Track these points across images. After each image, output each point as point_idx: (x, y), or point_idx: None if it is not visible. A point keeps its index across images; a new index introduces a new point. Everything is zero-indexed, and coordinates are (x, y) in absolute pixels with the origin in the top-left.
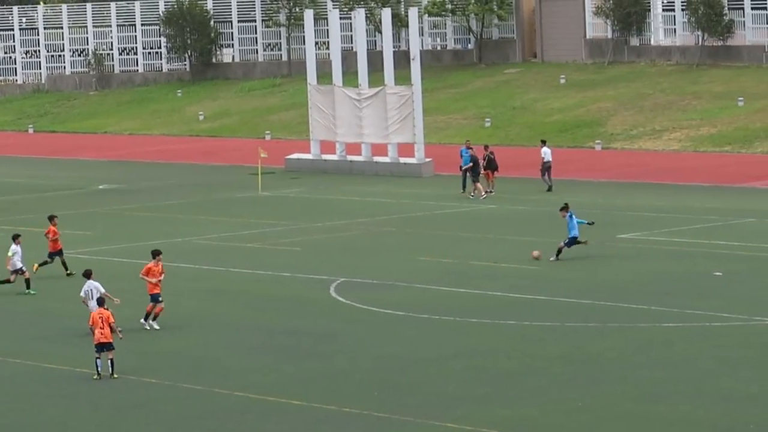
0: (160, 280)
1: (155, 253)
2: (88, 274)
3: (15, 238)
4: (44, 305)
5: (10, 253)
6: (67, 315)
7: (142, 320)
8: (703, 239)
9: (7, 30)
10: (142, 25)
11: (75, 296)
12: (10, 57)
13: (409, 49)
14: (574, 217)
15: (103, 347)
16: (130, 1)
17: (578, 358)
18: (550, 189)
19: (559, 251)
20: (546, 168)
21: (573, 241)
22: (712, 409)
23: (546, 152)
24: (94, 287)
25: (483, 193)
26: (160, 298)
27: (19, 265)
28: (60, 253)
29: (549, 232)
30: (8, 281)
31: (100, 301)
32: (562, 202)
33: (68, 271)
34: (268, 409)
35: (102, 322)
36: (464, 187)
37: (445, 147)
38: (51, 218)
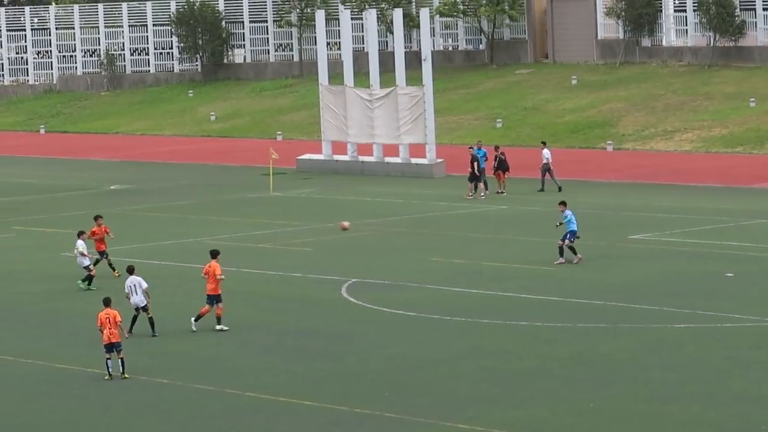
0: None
1: (215, 253)
2: (131, 270)
3: (80, 234)
4: (55, 305)
5: (81, 249)
6: (79, 315)
7: (217, 326)
8: (715, 240)
9: (19, 30)
10: (153, 25)
11: (85, 296)
12: (22, 57)
13: (420, 49)
14: (571, 214)
15: (112, 347)
16: (141, 1)
17: (589, 358)
18: (543, 189)
19: (561, 250)
20: (546, 169)
21: (573, 235)
22: (724, 410)
23: (546, 154)
24: (137, 282)
25: (470, 194)
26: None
27: (86, 262)
28: (103, 254)
29: (561, 232)
30: (91, 276)
31: (107, 301)
32: (571, 202)
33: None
34: (279, 410)
35: (109, 322)
36: (475, 188)
37: (457, 148)
38: (96, 218)
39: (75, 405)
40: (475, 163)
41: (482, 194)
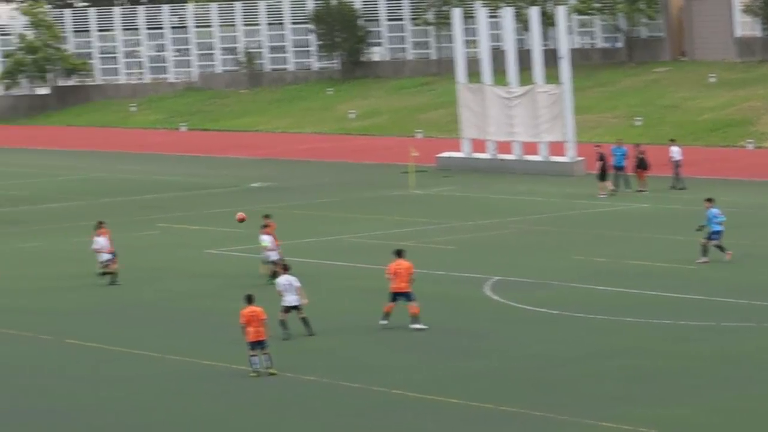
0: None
1: (402, 252)
2: (286, 268)
3: (264, 227)
4: (200, 303)
5: (266, 243)
6: (223, 312)
7: (415, 325)
8: None
9: (158, 29)
10: (291, 23)
11: (230, 294)
12: (162, 56)
13: (557, 47)
14: (717, 213)
15: (257, 345)
16: None
17: (734, 357)
18: (677, 188)
19: (705, 249)
20: (676, 167)
21: (717, 235)
22: None
23: (675, 151)
24: (292, 280)
25: (603, 193)
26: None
27: (273, 256)
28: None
29: (703, 230)
30: (276, 272)
31: (250, 299)
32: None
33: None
34: (425, 407)
35: (255, 319)
36: (617, 185)
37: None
38: (265, 217)
39: (223, 401)
40: (600, 162)
41: (611, 190)
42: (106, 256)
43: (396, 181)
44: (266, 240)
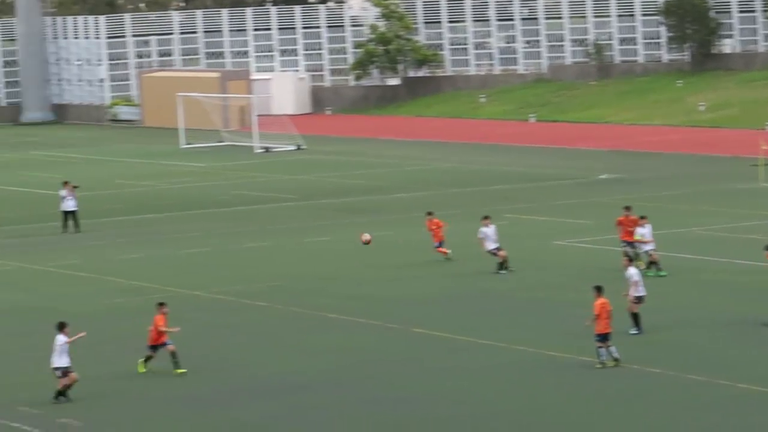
0: None
1: None
2: (631, 260)
3: (642, 218)
4: (547, 294)
5: (641, 236)
6: (570, 304)
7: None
8: None
9: (509, 20)
10: (642, 15)
11: (577, 285)
12: (511, 47)
13: None
14: None
15: (604, 337)
16: None
17: None
18: None
19: None
20: None
21: None
22: None
23: None
24: (636, 273)
25: None
26: None
27: (646, 247)
28: (630, 245)
29: None
30: (653, 261)
31: (600, 289)
32: None
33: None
34: None
35: (605, 311)
36: None
37: None
38: (625, 208)
39: (566, 392)
40: None
41: None
42: (492, 246)
43: (745, 174)
44: (644, 233)
